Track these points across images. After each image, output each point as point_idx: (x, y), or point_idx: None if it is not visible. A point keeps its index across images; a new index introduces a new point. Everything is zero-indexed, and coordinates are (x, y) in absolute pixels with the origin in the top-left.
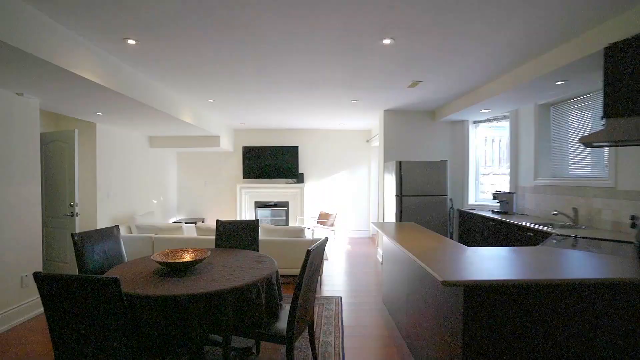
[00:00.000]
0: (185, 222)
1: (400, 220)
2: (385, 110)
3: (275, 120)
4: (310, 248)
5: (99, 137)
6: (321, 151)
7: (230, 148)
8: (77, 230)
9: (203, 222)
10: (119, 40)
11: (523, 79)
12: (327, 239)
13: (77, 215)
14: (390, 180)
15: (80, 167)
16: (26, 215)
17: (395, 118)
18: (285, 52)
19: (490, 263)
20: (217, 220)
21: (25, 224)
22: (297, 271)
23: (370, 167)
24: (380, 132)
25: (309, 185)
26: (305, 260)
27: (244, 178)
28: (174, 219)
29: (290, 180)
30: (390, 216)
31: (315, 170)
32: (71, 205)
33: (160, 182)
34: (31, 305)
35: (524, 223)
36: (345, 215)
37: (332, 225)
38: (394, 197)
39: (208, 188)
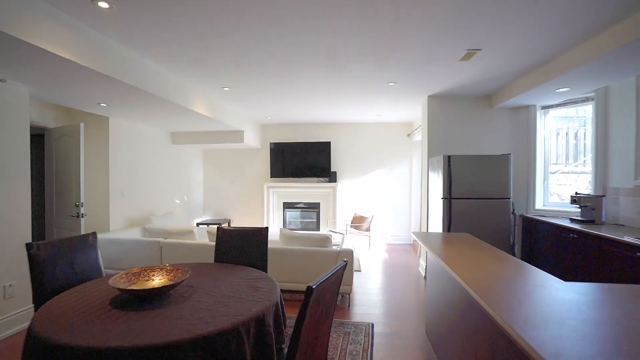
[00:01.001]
0: (210, 224)
1: (449, 229)
2: (429, 96)
3: (304, 112)
4: (312, 285)
5: (112, 132)
6: (356, 147)
7: (257, 144)
8: (83, 232)
9: (229, 224)
10: (91, 6)
11: (620, 40)
12: (345, 264)
13: (82, 217)
14: (436, 180)
15: (92, 165)
16: (14, 218)
17: (441, 105)
18: (300, 17)
19: (613, 330)
20: (218, 228)
21: (13, 228)
22: None
23: (412, 165)
24: (424, 123)
25: (342, 185)
26: (305, 303)
27: (271, 177)
28: (199, 220)
29: (321, 179)
30: (436, 222)
31: (349, 169)
32: (76, 206)
33: (184, 180)
34: (16, 318)
35: (628, 239)
36: (382, 218)
37: (368, 230)
38: (441, 200)
39: (234, 187)
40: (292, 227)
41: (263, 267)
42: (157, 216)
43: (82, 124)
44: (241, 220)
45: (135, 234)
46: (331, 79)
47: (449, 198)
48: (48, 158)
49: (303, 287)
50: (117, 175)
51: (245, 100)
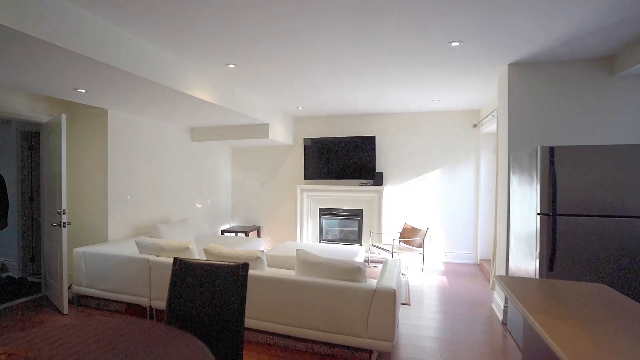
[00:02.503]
0: (238, 232)
1: (551, 264)
2: (511, 65)
3: (341, 100)
4: None
5: (112, 126)
6: (407, 142)
7: (288, 140)
8: (65, 245)
9: (259, 231)
10: None
11: None
12: None
13: (64, 226)
14: (526, 185)
15: (88, 165)
16: None
17: (530, 76)
18: None
19: None
20: (175, 260)
21: None
22: (344, 339)
23: (480, 164)
24: (503, 104)
25: (389, 189)
26: None
27: (306, 178)
28: (226, 226)
29: (364, 181)
30: (522, 250)
31: (398, 169)
32: (58, 213)
33: (209, 182)
34: None
35: None
36: (439, 231)
37: (421, 245)
38: (536, 217)
39: (265, 190)
40: (329, 237)
41: (233, 345)
42: (169, 224)
43: (63, 116)
44: (272, 228)
45: (134, 247)
46: (366, 36)
47: (551, 214)
48: (42, 157)
49: (327, 338)
50: (119, 176)
51: (259, 83)
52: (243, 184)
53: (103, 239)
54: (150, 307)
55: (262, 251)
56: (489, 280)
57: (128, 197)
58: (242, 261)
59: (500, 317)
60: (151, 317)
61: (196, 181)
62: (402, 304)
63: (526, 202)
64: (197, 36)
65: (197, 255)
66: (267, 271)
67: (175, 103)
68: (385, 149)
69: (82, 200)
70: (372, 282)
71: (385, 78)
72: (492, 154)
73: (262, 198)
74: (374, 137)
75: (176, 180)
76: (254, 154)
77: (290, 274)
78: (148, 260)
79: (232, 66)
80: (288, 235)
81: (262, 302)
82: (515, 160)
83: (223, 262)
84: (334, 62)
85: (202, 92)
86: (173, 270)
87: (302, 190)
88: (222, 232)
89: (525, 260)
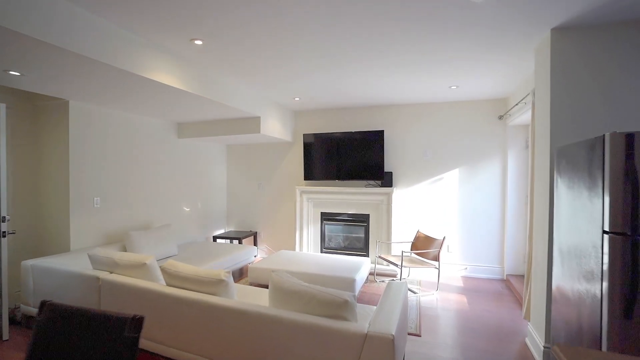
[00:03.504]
0: (232, 239)
1: (629, 312)
2: (555, 30)
3: (342, 87)
4: None
5: (75, 120)
6: (420, 137)
7: (286, 137)
8: (5, 257)
9: (255, 238)
10: None
11: None
12: None
13: (4, 236)
14: (580, 189)
15: (48, 164)
16: None
17: (581, 42)
18: None
19: None
20: (41, 305)
21: None
22: None
23: (507, 162)
24: (543, 80)
25: (400, 192)
26: None
27: (306, 179)
28: (221, 231)
29: (371, 182)
30: (568, 268)
31: (410, 168)
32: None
33: (199, 183)
34: None
35: None
36: (458, 240)
37: (436, 259)
38: (603, 236)
39: (263, 192)
40: (332, 245)
41: None
42: (147, 230)
43: (2, 105)
44: (270, 234)
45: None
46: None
47: (629, 234)
48: None
49: None
50: (86, 177)
51: (239, 66)
52: (239, 185)
53: (65, 248)
54: None
55: (229, 273)
56: (520, 303)
57: (97, 201)
58: (129, 316)
59: (539, 359)
60: None
61: (185, 182)
62: (409, 334)
63: (582, 212)
64: (156, 5)
65: (158, 273)
66: (228, 300)
67: (138, 91)
68: (396, 145)
69: (42, 204)
70: (364, 323)
71: (392, 56)
72: (522, 151)
73: (259, 201)
74: (382, 131)
75: (160, 182)
76: (250, 152)
77: (265, 301)
78: (97, 279)
79: (198, 42)
80: (287, 242)
81: (219, 339)
82: (563, 156)
83: (109, 313)
84: (329, 36)
85: (167, 76)
86: (37, 321)
87: (302, 192)
88: (215, 238)
89: (577, 283)
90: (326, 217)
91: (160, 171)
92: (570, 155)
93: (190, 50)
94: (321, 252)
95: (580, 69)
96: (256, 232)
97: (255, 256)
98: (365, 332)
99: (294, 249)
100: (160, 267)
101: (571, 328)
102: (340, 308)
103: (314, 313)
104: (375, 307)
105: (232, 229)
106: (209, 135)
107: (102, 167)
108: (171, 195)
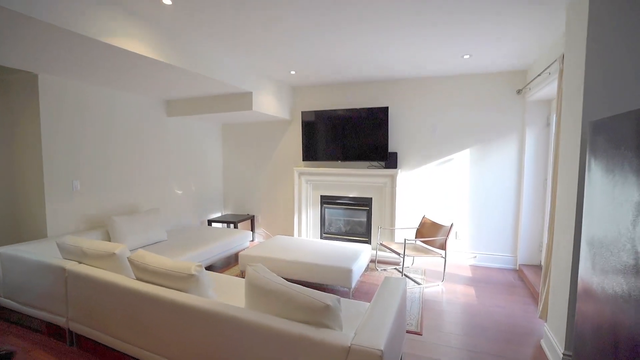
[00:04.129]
0: (229, 222)
1: None
2: None
3: (343, 59)
4: None
5: (46, 95)
6: (427, 115)
7: (283, 114)
8: None
9: (252, 221)
10: None
11: None
12: None
13: None
14: (624, 172)
15: (21, 144)
16: None
17: None
18: None
19: None
20: None
21: None
22: None
23: (524, 141)
24: (577, 42)
25: (405, 174)
26: None
27: (304, 159)
28: (217, 215)
29: (375, 163)
30: (601, 258)
31: (416, 148)
32: None
33: (193, 164)
34: None
35: None
36: (467, 226)
37: (442, 247)
38: None
39: (260, 174)
40: (332, 230)
41: None
42: (131, 215)
43: None
44: (268, 217)
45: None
46: None
47: None
48: None
49: None
50: (62, 158)
51: (221, 32)
52: (235, 166)
53: (41, 234)
54: (69, 330)
55: (200, 266)
56: (534, 297)
57: (76, 184)
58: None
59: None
60: (71, 343)
61: (177, 164)
62: (409, 332)
63: (626, 200)
64: None
65: (127, 263)
66: (195, 298)
67: (111, 62)
68: (401, 123)
69: (16, 187)
70: (349, 332)
71: (394, 14)
72: (542, 129)
73: (256, 183)
74: (387, 108)
75: (149, 163)
76: (247, 131)
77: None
78: (63, 269)
79: (166, 2)
80: (285, 226)
81: (187, 342)
82: (600, 132)
83: None
84: None
85: (139, 45)
86: None
87: (301, 174)
88: (209, 222)
89: (613, 282)
90: (326, 200)
91: (149, 152)
92: (611, 130)
93: (160, 12)
94: (321, 237)
95: (623, 28)
96: (253, 216)
97: (251, 240)
98: (349, 344)
99: (292, 234)
100: (127, 258)
101: (601, 335)
102: (320, 314)
103: (292, 317)
104: (369, 303)
105: (229, 212)
106: (199, 113)
107: (82, 148)
108: (162, 178)
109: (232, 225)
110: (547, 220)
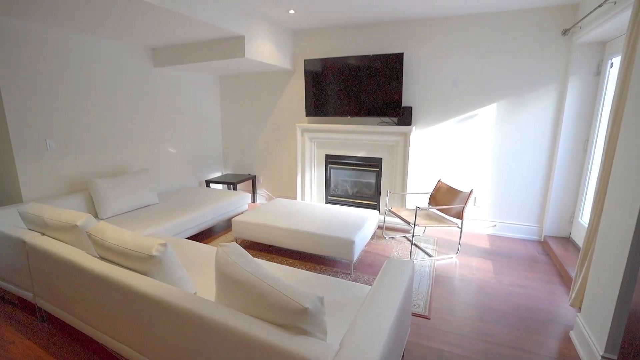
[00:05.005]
0: (228, 183)
1: None
2: None
3: None
4: None
5: (6, 43)
6: (448, 61)
7: (283, 63)
8: None
9: (254, 182)
10: None
11: None
12: None
13: None
14: None
15: None
16: None
17: None
18: None
19: None
20: None
21: None
22: None
23: (565, 94)
24: None
25: (420, 132)
26: None
27: (307, 115)
28: (215, 176)
29: (386, 119)
30: None
31: (434, 103)
32: None
33: (188, 121)
34: None
35: None
36: (488, 192)
37: (459, 216)
38: None
39: (261, 131)
40: (338, 192)
41: None
42: (116, 177)
43: None
44: (270, 178)
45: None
46: None
47: None
48: None
49: None
50: (31, 114)
51: None
52: (234, 122)
53: (16, 199)
54: (39, 307)
55: (163, 244)
56: (560, 275)
57: (50, 143)
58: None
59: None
60: (42, 319)
61: (169, 120)
62: (415, 314)
63: None
64: None
65: (85, 238)
66: (151, 285)
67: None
68: (417, 72)
69: None
70: (333, 342)
71: None
72: (590, 79)
73: (257, 140)
74: (402, 54)
75: (137, 120)
76: (247, 83)
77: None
78: (23, 242)
79: None
80: (288, 187)
81: (146, 333)
82: None
83: None
84: None
85: None
86: None
87: (304, 131)
88: (208, 182)
89: None
90: (332, 160)
91: (136, 107)
92: None
93: None
94: (326, 200)
95: None
96: (255, 176)
97: (254, 202)
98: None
99: (295, 196)
100: (86, 232)
101: None
102: (297, 318)
103: (266, 318)
104: (370, 288)
105: (229, 172)
106: (188, 62)
107: (54, 104)
108: (153, 136)
109: (231, 187)
110: (585, 188)
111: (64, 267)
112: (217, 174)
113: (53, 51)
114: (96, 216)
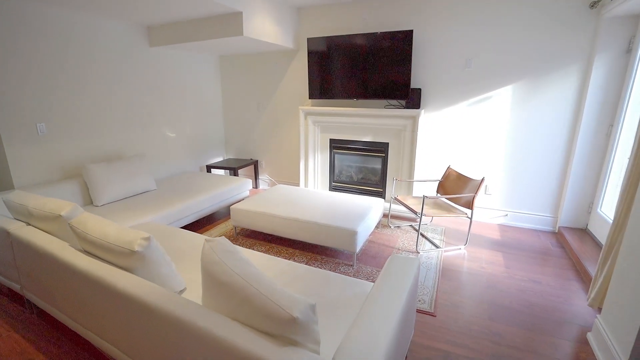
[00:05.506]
0: (229, 169)
1: None
2: None
3: None
4: None
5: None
6: (462, 40)
7: (286, 42)
8: None
9: (256, 167)
10: None
11: None
12: None
13: None
14: None
15: None
16: None
17: None
18: None
19: None
20: None
21: None
22: None
23: (590, 75)
24: None
25: (429, 115)
26: None
27: (311, 97)
28: (216, 160)
29: (393, 102)
30: None
31: (444, 84)
32: None
33: (188, 103)
34: None
35: None
36: (500, 179)
37: (469, 205)
38: None
39: (263, 114)
40: (343, 178)
41: None
42: (111, 162)
43: None
44: (272, 163)
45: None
46: None
47: None
48: None
49: None
50: (19, 97)
51: None
52: (236, 105)
53: (7, 185)
54: (27, 299)
55: (147, 239)
56: (576, 270)
57: (41, 127)
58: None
59: None
60: (31, 311)
61: (166, 103)
62: (420, 311)
63: None
64: None
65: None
66: (132, 283)
67: None
68: (428, 51)
69: None
70: (327, 355)
71: None
72: (619, 57)
73: (259, 124)
74: (411, 32)
75: (133, 102)
76: (249, 64)
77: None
78: (7, 233)
79: None
80: (291, 173)
81: (129, 334)
82: None
83: None
84: None
85: None
86: None
87: (307, 114)
88: (209, 168)
89: None
90: (336, 145)
91: (131, 89)
92: None
93: None
94: (330, 186)
95: None
96: (257, 161)
97: (256, 187)
98: None
99: (298, 181)
100: (68, 224)
101: None
102: (285, 327)
103: (253, 324)
104: (372, 285)
105: (231, 157)
106: (184, 41)
107: (44, 86)
108: (150, 120)
109: (233, 173)
110: (607, 177)
111: (46, 261)
112: (219, 159)
113: (41, 31)
114: (91, 203)
